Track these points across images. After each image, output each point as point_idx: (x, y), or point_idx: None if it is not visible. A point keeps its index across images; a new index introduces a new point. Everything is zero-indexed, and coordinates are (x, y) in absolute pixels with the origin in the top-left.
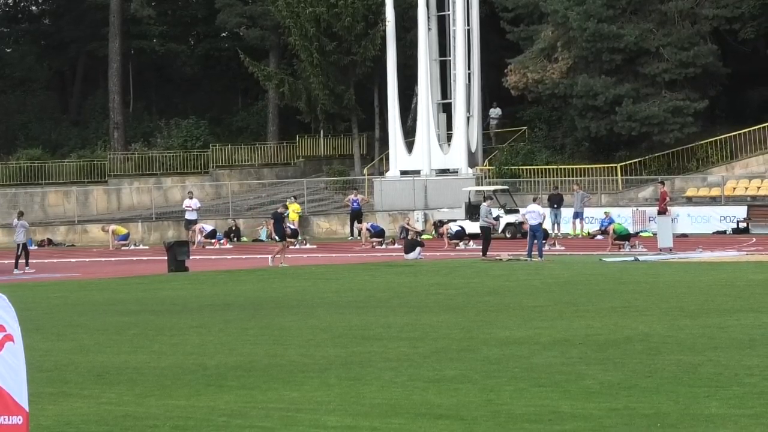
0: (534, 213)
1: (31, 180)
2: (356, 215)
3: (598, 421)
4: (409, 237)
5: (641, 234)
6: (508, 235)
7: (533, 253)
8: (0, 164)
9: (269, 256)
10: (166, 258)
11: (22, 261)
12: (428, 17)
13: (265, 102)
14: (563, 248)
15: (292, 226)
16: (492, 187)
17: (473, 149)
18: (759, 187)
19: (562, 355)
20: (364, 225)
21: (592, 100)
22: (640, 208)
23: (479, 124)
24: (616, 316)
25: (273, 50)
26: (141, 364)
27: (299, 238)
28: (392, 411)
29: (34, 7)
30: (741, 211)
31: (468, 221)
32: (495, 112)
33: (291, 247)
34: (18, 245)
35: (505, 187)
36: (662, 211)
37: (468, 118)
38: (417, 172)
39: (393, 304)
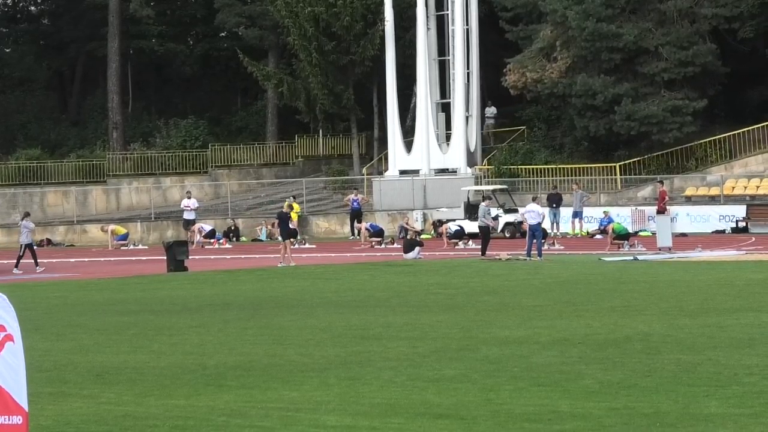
0: (533, 212)
1: (30, 180)
2: (356, 215)
3: (598, 421)
4: (408, 236)
5: (640, 233)
6: (507, 235)
7: (532, 252)
8: None
9: (287, 255)
10: (165, 258)
11: (28, 261)
12: (427, 17)
13: (264, 102)
14: (562, 248)
15: (291, 226)
16: (491, 187)
17: (472, 149)
18: (758, 187)
19: (562, 354)
20: (363, 225)
21: (591, 100)
22: (639, 208)
23: (478, 123)
24: (615, 315)
25: (272, 50)
26: (140, 364)
27: (298, 237)
28: (391, 410)
29: (33, 7)
30: (740, 211)
31: (467, 221)
32: (490, 111)
33: (291, 246)
34: (21, 246)
35: (504, 186)
36: (661, 211)
37: (467, 118)
38: (416, 172)
39: (392, 303)
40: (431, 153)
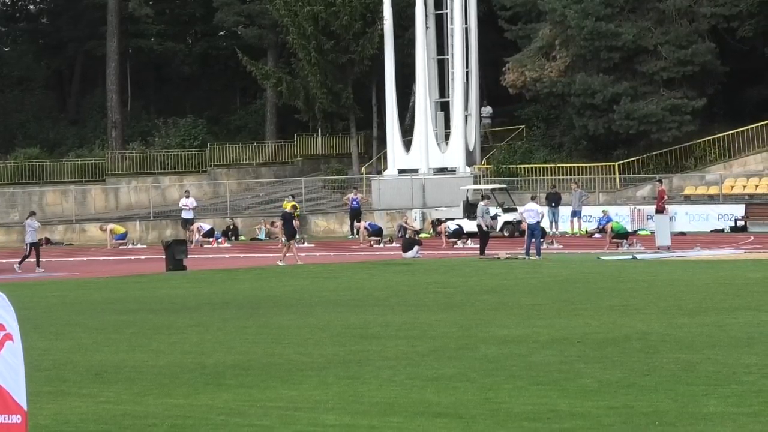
0: (532, 211)
1: (29, 179)
2: (356, 214)
3: (597, 420)
4: (407, 235)
5: (639, 232)
6: (506, 234)
7: (531, 251)
8: None
9: (279, 255)
10: (164, 257)
11: (32, 260)
12: (426, 16)
13: (263, 101)
14: (561, 247)
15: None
16: (490, 186)
17: (471, 148)
18: (757, 186)
19: (561, 353)
20: (363, 224)
21: (590, 99)
22: (638, 207)
23: (477, 122)
24: (614, 314)
25: (271, 49)
26: (139, 363)
27: (297, 237)
28: (390, 409)
29: (32, 6)
30: (739, 210)
31: (466, 220)
32: (486, 110)
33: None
34: (27, 245)
35: (503, 185)
36: (660, 210)
37: (466, 117)
38: (415, 171)
39: (391, 302)
40: (430, 152)
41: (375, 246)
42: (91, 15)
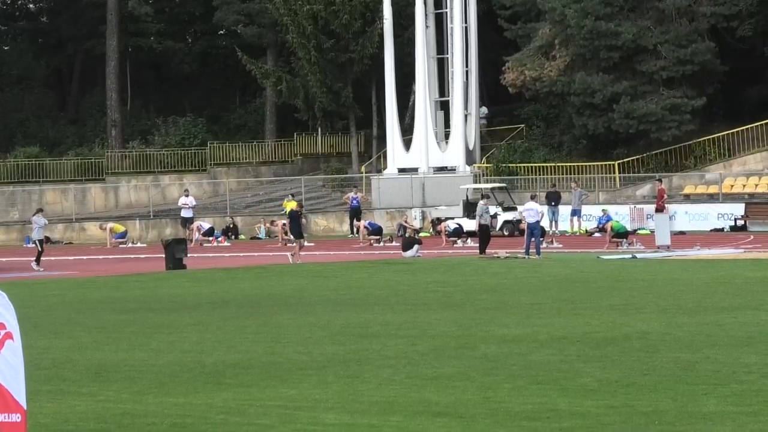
0: (532, 211)
1: (28, 178)
2: (356, 213)
3: (596, 419)
4: (407, 235)
5: (639, 231)
6: (505, 233)
7: (531, 250)
8: None
9: (288, 254)
10: (164, 256)
11: (29, 258)
12: (426, 15)
13: (263, 100)
14: (561, 246)
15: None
16: (490, 185)
17: (471, 147)
18: (757, 185)
19: (560, 352)
20: (362, 223)
21: (590, 98)
22: (637, 206)
23: (477, 121)
24: (613, 313)
25: (270, 48)
26: (139, 362)
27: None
28: (390, 408)
29: (31, 5)
30: (739, 209)
31: (466, 219)
32: (482, 111)
33: (287, 245)
34: (35, 241)
35: (503, 184)
36: (660, 209)
37: (466, 116)
38: (415, 170)
39: (391, 301)
40: (430, 151)
41: (375, 245)
42: (90, 14)
